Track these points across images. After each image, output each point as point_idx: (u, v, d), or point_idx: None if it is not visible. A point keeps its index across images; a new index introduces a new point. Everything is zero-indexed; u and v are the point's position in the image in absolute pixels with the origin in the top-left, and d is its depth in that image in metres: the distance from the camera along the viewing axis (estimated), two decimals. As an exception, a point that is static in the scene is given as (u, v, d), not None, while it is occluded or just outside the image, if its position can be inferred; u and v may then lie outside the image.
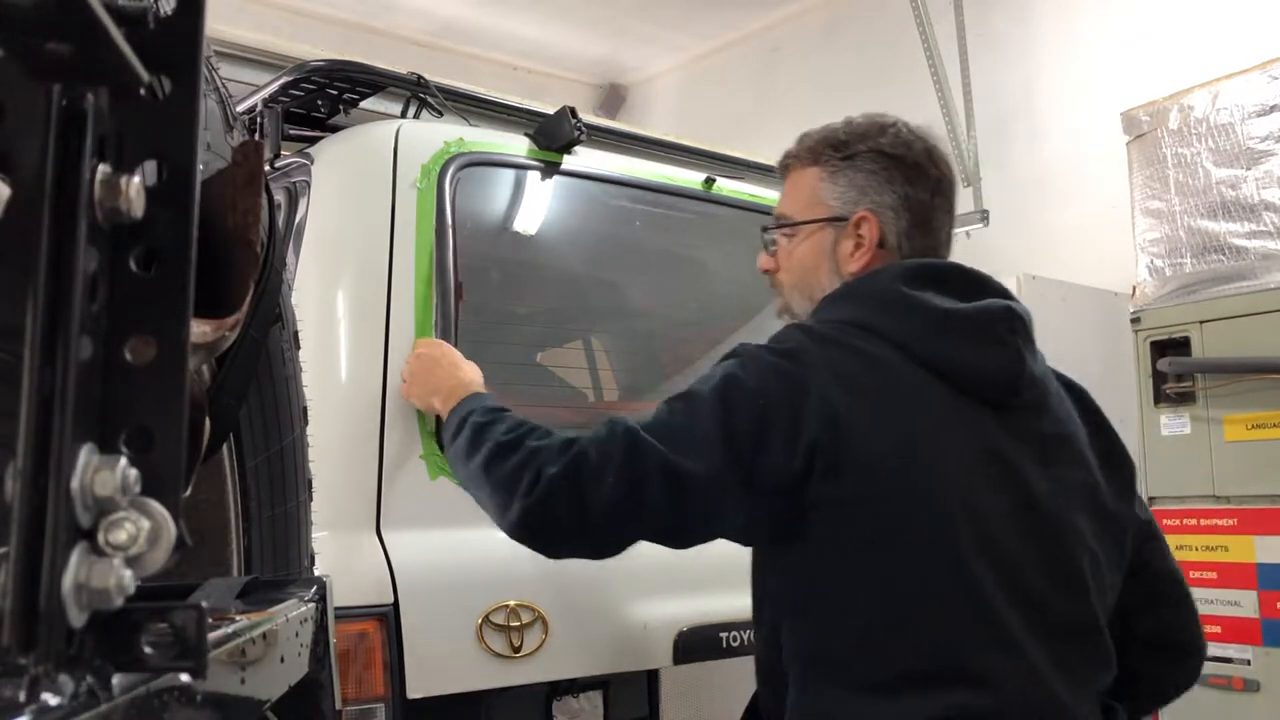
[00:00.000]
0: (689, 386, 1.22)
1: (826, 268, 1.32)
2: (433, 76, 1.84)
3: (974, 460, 1.18)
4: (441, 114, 1.83)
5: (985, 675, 1.11)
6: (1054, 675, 1.14)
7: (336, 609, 0.72)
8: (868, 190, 1.31)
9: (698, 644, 1.49)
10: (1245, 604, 2.80)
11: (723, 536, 1.22)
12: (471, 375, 1.41)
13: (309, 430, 0.94)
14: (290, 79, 1.71)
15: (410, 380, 1.43)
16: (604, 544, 1.21)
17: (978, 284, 1.28)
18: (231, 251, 0.52)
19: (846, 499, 1.14)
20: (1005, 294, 1.29)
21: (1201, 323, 3.00)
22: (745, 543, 1.26)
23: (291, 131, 1.82)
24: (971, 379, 1.21)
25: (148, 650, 0.39)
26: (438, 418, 1.40)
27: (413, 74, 1.81)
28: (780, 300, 1.39)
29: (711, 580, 1.53)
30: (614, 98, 6.80)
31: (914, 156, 1.32)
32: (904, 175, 1.31)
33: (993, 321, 1.23)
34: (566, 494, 1.13)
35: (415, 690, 1.24)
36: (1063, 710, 1.14)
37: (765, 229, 1.41)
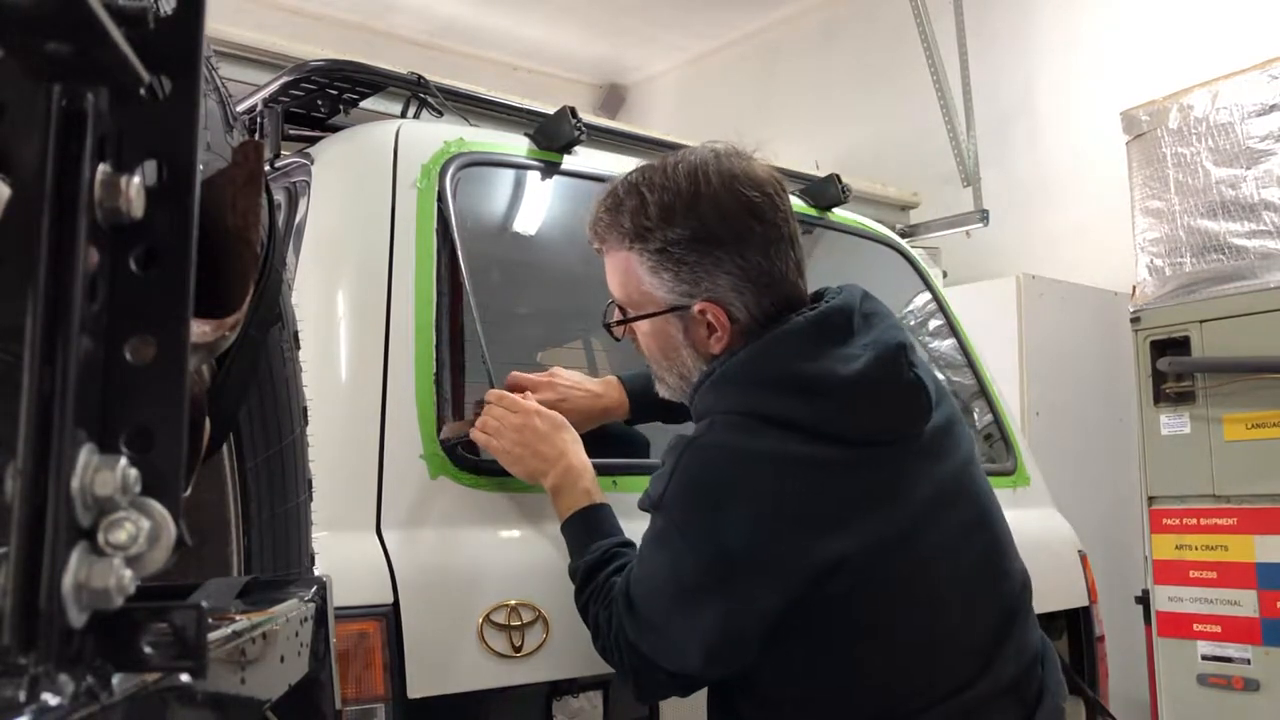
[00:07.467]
0: (660, 529, 1.21)
1: (687, 353, 1.27)
2: (433, 76, 1.84)
3: (924, 506, 1.20)
4: (441, 114, 1.83)
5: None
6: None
7: (336, 609, 0.72)
8: (699, 281, 1.21)
9: (698, 644, 1.49)
10: (1245, 603, 2.80)
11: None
12: (581, 457, 1.35)
13: (309, 430, 0.94)
14: (290, 79, 1.71)
15: (510, 445, 1.34)
16: (694, 685, 1.28)
17: (864, 316, 1.24)
18: (231, 251, 0.52)
19: (833, 597, 1.15)
20: (888, 314, 1.27)
21: (1201, 322, 3.00)
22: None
23: (291, 131, 1.82)
24: (892, 431, 1.20)
25: (148, 650, 0.39)
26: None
27: (413, 74, 1.80)
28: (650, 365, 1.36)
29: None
30: (614, 98, 6.79)
31: (728, 224, 1.20)
32: (729, 252, 1.20)
33: (895, 364, 1.20)
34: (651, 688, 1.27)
35: (415, 690, 1.24)
36: None
37: (606, 323, 1.39)
